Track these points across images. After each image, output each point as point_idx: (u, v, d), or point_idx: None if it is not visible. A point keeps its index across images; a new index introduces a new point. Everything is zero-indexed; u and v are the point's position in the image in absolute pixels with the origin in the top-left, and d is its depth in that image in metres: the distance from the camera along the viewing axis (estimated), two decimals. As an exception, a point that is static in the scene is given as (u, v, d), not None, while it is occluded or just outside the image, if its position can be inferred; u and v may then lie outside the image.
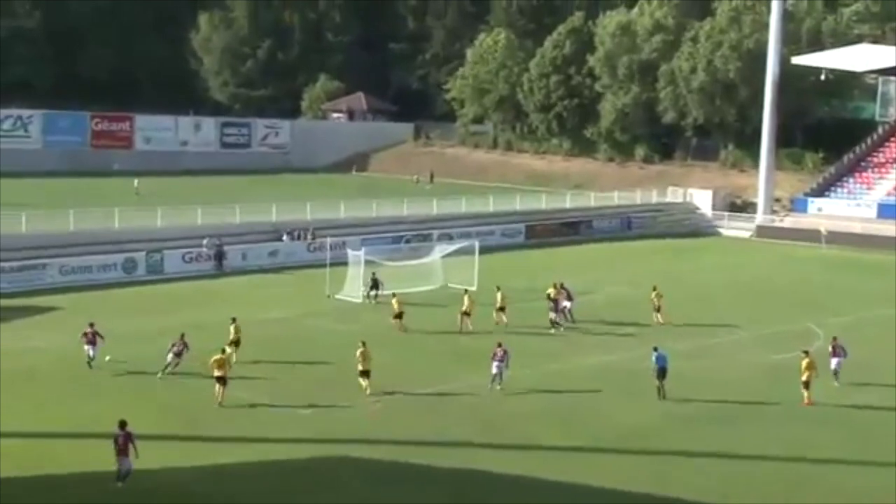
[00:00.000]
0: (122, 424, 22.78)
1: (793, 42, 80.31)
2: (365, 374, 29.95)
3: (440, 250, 47.47)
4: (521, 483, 23.73)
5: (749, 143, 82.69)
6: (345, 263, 45.34)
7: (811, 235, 67.58)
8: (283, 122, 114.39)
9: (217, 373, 28.72)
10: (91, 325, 32.57)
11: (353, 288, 43.38)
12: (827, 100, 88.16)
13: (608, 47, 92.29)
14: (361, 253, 44.59)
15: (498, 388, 30.67)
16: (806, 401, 29.73)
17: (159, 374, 31.02)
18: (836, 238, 66.33)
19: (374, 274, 43.57)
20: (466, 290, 39.88)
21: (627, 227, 72.61)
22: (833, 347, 32.61)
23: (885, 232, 66.18)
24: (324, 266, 46.76)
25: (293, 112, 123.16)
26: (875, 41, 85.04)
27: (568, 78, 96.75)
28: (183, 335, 31.55)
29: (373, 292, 43.28)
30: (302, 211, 58.00)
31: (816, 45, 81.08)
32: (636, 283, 47.02)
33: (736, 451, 25.96)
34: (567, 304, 40.14)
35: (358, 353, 30.18)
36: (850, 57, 72.10)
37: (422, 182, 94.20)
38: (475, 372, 32.40)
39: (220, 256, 51.73)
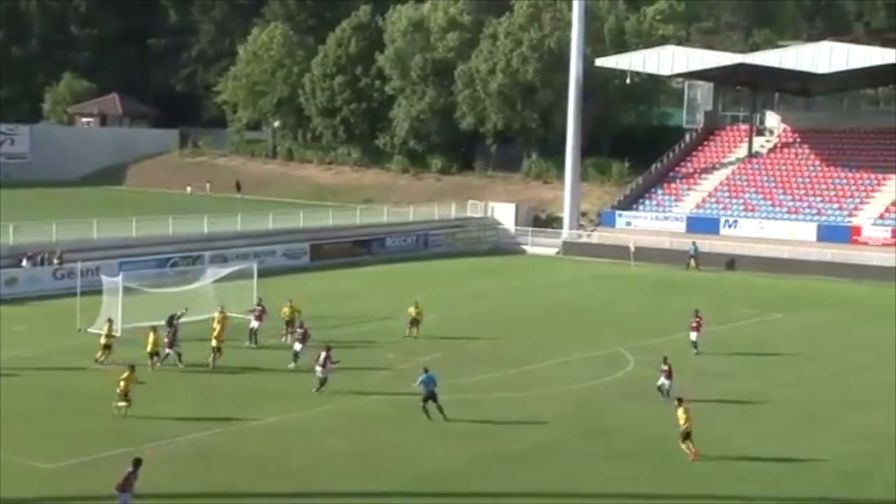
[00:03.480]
0: (137, 462, 23.41)
1: (596, 42, 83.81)
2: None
3: (212, 274, 46.77)
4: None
5: (553, 152, 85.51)
6: (99, 292, 43.89)
7: (620, 252, 70.29)
8: (20, 127, 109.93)
9: None
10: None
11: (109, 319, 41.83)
12: (633, 105, 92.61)
13: (399, 45, 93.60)
14: (119, 279, 43.31)
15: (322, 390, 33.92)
16: (691, 455, 28.58)
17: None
18: (645, 254, 69.35)
19: (184, 310, 40.72)
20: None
21: (424, 245, 73.67)
22: (668, 369, 34.31)
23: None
24: (74, 295, 45.36)
25: (33, 116, 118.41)
26: (680, 43, 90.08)
27: (355, 79, 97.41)
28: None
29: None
30: (46, 231, 56.03)
31: (620, 46, 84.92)
32: (434, 307, 47.64)
33: (548, 489, 26.60)
34: (255, 324, 41.55)
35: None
36: (656, 59, 75.61)
37: (203, 193, 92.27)
38: (263, 410, 32.07)
39: (-56, 287, 49.02)
